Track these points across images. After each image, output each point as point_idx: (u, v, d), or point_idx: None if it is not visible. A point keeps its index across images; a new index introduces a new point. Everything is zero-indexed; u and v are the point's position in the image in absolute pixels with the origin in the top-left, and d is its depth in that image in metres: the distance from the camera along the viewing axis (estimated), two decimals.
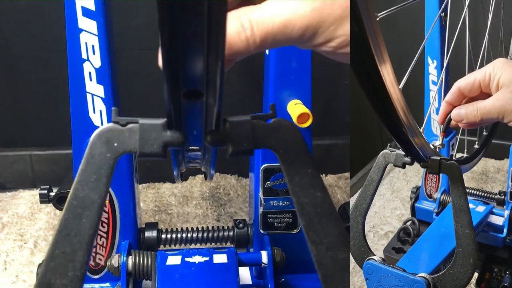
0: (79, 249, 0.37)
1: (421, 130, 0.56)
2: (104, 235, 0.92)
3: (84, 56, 0.84)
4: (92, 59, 0.84)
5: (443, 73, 0.73)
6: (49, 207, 1.34)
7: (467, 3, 0.67)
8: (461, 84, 0.57)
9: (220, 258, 0.84)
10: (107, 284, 0.94)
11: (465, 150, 0.94)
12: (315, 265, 0.40)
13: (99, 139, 0.38)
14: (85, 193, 0.37)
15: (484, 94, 0.57)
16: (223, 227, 1.01)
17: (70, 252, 0.37)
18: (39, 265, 0.99)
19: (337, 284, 0.39)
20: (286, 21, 0.34)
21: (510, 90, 0.52)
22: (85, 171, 0.38)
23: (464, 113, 0.56)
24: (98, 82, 0.85)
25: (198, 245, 1.02)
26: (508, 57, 0.99)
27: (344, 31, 0.35)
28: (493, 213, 1.03)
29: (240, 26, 0.33)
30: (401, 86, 0.49)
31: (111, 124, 0.38)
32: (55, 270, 0.37)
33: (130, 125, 0.38)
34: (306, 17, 0.34)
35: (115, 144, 0.38)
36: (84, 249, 0.37)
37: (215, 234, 1.00)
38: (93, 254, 0.93)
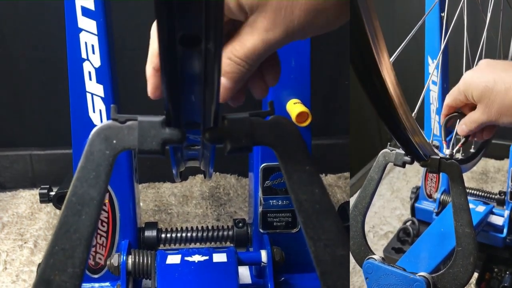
0: (78, 246, 0.37)
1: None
2: (104, 234, 0.92)
3: (84, 55, 0.84)
4: (92, 58, 0.85)
5: (439, 72, 0.73)
6: (49, 207, 1.34)
7: (466, 4, 0.67)
8: (449, 102, 0.64)
9: (220, 257, 0.84)
10: (107, 284, 0.94)
11: (465, 150, 0.94)
12: (313, 262, 0.40)
13: (98, 136, 0.38)
14: (84, 190, 0.37)
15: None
16: (222, 226, 1.01)
17: (69, 249, 0.37)
18: (39, 265, 0.99)
19: (335, 280, 0.39)
20: (264, 42, 0.39)
21: (484, 104, 0.58)
22: (84, 168, 0.38)
23: (467, 128, 0.63)
24: (98, 81, 0.86)
25: (197, 245, 1.02)
26: (509, 59, 0.99)
27: None
28: (493, 213, 1.03)
29: (229, 61, 0.38)
30: (392, 59, 0.48)
31: (110, 122, 0.38)
32: (54, 266, 0.37)
33: (129, 122, 0.38)
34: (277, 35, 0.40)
35: (114, 141, 0.38)
36: (83, 245, 0.37)
37: (215, 234, 1.00)
38: (93, 253, 0.93)
